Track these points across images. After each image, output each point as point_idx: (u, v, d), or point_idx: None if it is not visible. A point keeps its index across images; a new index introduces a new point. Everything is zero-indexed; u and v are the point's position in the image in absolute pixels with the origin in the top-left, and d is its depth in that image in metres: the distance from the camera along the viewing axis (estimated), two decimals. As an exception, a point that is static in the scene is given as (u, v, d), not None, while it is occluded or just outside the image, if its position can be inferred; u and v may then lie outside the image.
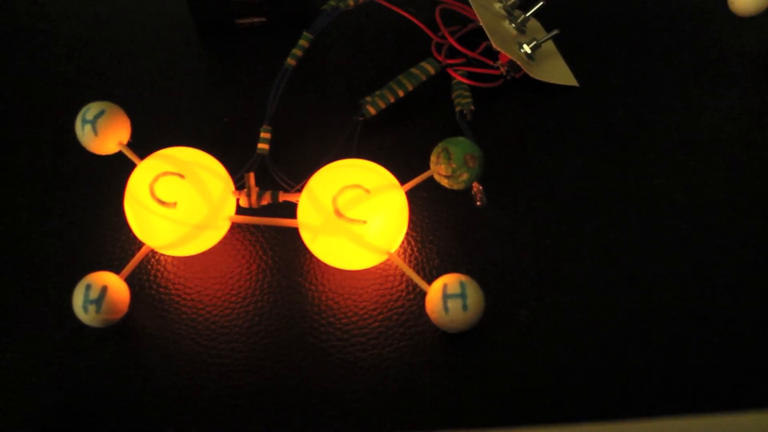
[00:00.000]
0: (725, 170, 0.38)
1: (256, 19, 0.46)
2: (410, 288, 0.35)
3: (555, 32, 0.42)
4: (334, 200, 0.32)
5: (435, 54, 0.42)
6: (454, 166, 0.32)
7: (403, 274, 0.35)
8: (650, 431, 0.31)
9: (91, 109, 0.34)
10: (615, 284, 0.35)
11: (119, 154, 0.35)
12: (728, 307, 0.34)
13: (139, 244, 0.35)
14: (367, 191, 0.32)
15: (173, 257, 0.36)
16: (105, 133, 0.34)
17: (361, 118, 0.40)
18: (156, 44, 0.46)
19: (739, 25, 0.45)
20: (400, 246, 0.36)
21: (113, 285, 0.32)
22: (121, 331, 0.34)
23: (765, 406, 0.31)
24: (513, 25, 0.43)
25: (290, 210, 0.35)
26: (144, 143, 0.36)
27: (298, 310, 0.34)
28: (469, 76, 0.42)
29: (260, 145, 0.39)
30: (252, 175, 0.35)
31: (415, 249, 0.36)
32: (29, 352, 0.33)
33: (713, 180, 0.38)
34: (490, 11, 0.43)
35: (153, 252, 0.36)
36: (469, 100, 0.40)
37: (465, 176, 0.32)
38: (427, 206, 0.38)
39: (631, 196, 0.38)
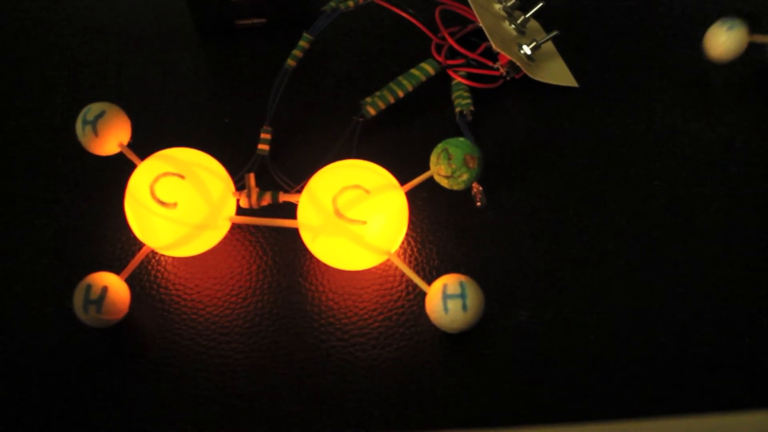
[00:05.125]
0: (726, 169, 0.38)
1: (256, 20, 0.46)
2: (410, 288, 0.35)
3: (555, 33, 0.42)
4: (334, 201, 0.32)
5: (435, 55, 0.42)
6: (453, 166, 0.32)
7: (403, 275, 0.35)
8: (650, 431, 0.31)
9: (91, 110, 0.34)
10: (615, 284, 0.35)
11: (120, 155, 0.35)
12: (729, 307, 0.34)
13: (140, 245, 0.35)
14: (367, 192, 0.32)
15: (173, 258, 0.36)
16: (105, 134, 0.34)
17: (361, 119, 0.40)
18: (156, 45, 0.46)
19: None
20: (400, 246, 0.36)
21: (114, 285, 0.32)
22: (121, 332, 0.34)
23: (765, 406, 0.31)
24: (513, 26, 0.43)
25: (290, 210, 0.35)
26: (144, 144, 0.36)
27: (298, 310, 0.34)
28: (469, 76, 0.42)
29: (260, 146, 0.39)
30: (252, 176, 0.35)
31: (415, 249, 0.36)
32: (29, 353, 0.33)
33: (714, 181, 0.38)
34: (490, 12, 0.43)
35: (153, 252, 0.36)
36: (468, 100, 0.40)
37: (465, 177, 0.32)
38: (427, 207, 0.38)
39: (632, 197, 0.38)
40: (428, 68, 0.41)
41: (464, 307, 0.31)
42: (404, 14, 0.43)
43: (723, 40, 0.40)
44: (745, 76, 0.43)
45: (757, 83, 0.42)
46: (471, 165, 0.32)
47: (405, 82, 0.41)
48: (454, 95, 0.41)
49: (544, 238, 0.36)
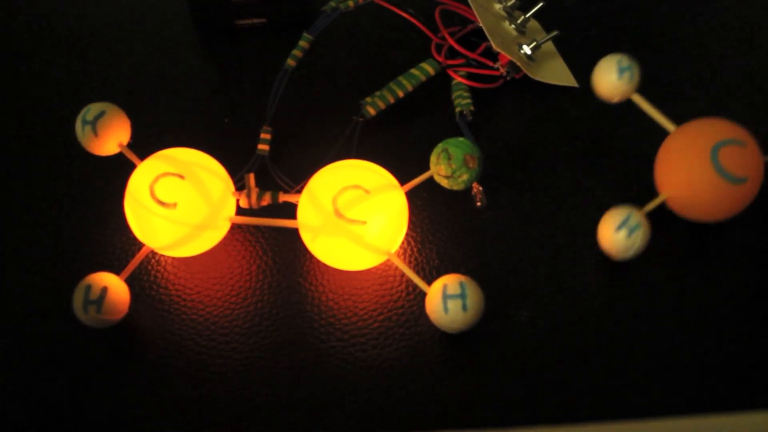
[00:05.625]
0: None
1: (256, 20, 0.46)
2: (410, 288, 0.35)
3: (555, 33, 0.42)
4: (334, 201, 0.32)
5: (435, 55, 0.42)
6: (453, 166, 0.32)
7: (403, 275, 0.35)
8: (650, 431, 0.31)
9: (91, 110, 0.34)
10: (615, 284, 0.35)
11: (119, 155, 0.35)
12: (729, 307, 0.34)
13: (140, 245, 0.35)
14: (367, 192, 0.32)
15: (173, 258, 0.36)
16: (105, 134, 0.34)
17: (361, 119, 0.40)
18: (156, 45, 0.46)
19: (738, 24, 0.45)
20: (400, 246, 0.36)
21: (113, 286, 0.32)
22: (121, 332, 0.34)
23: (765, 406, 0.31)
24: (513, 25, 0.43)
25: (290, 210, 0.35)
26: (144, 144, 0.36)
27: (298, 310, 0.34)
28: (469, 76, 0.42)
29: (260, 146, 0.39)
30: (252, 176, 0.35)
31: (415, 249, 0.36)
32: (29, 352, 0.33)
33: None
34: (490, 12, 0.43)
35: (153, 253, 0.36)
36: (469, 100, 0.40)
37: (465, 177, 0.32)
38: (427, 207, 0.38)
39: (632, 196, 0.37)
40: (428, 68, 0.41)
41: (464, 307, 0.31)
42: (404, 14, 0.43)
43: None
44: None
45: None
46: (471, 165, 0.32)
47: (405, 82, 0.41)
48: (454, 95, 0.41)
49: (544, 238, 0.36)
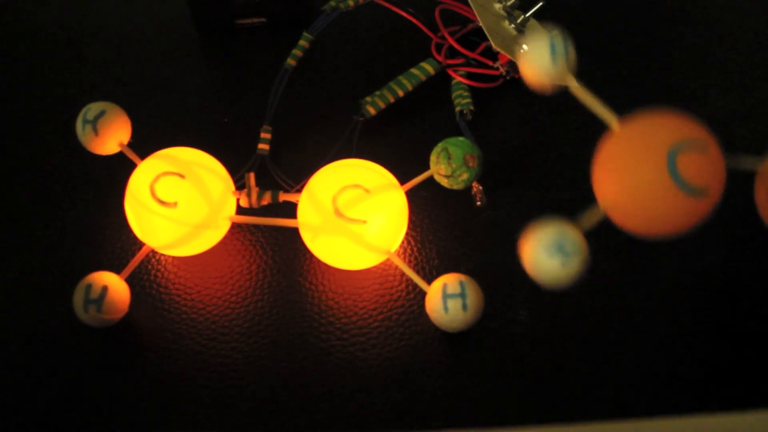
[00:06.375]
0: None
1: (256, 20, 0.46)
2: (410, 288, 0.35)
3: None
4: (334, 200, 0.32)
5: (435, 54, 0.42)
6: (453, 165, 0.32)
7: (402, 274, 0.35)
8: (650, 431, 0.31)
9: (91, 110, 0.34)
10: (615, 283, 0.35)
11: (120, 154, 0.35)
12: (729, 306, 0.34)
13: (140, 244, 0.35)
14: (367, 191, 0.32)
15: (173, 257, 0.36)
16: (105, 134, 0.34)
17: (361, 118, 0.40)
18: (156, 44, 0.46)
19: (738, 25, 0.45)
20: (400, 246, 0.36)
21: (114, 285, 0.32)
22: (121, 331, 0.34)
23: (765, 406, 0.31)
24: (512, 25, 0.43)
25: (290, 210, 0.35)
26: (144, 143, 0.36)
27: (298, 309, 0.34)
28: (469, 76, 0.42)
29: (260, 145, 0.39)
30: (252, 175, 0.35)
31: (415, 249, 0.36)
32: (29, 352, 0.33)
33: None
34: (490, 11, 0.43)
35: (153, 252, 0.36)
36: (468, 100, 0.40)
37: (465, 176, 0.32)
38: (427, 206, 0.38)
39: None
40: (428, 68, 0.41)
41: (464, 307, 0.31)
42: (404, 13, 0.43)
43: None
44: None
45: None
46: (471, 164, 0.32)
47: (405, 81, 0.41)
48: (453, 95, 0.41)
49: (544, 237, 0.36)
